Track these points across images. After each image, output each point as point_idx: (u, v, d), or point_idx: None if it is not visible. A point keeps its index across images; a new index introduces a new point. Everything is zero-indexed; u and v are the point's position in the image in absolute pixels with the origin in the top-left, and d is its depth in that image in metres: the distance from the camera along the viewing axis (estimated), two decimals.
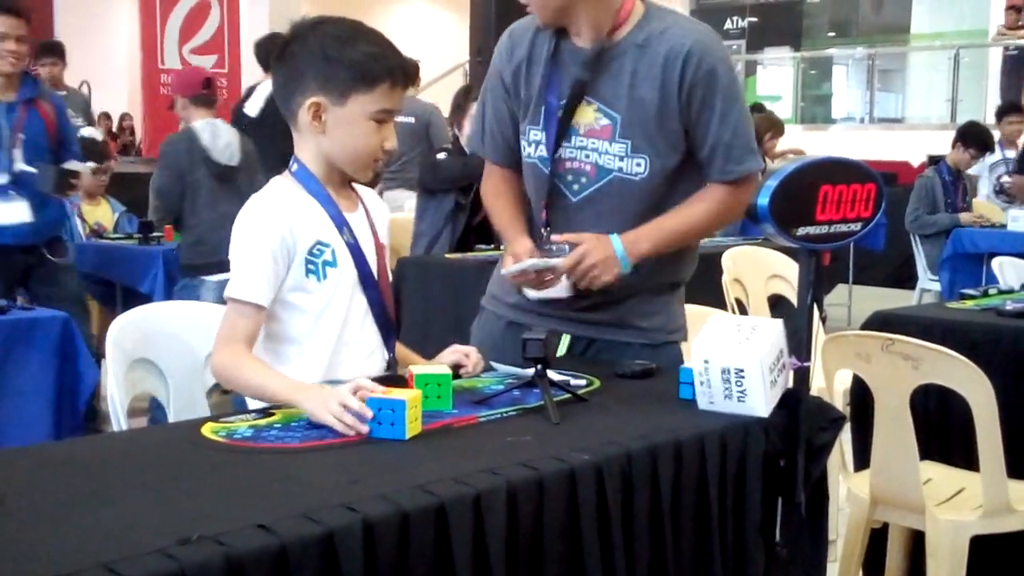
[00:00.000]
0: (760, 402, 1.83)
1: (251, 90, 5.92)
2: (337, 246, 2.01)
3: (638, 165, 2.24)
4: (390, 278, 2.17)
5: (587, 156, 2.27)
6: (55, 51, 7.31)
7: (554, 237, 2.26)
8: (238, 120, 5.50)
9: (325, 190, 2.03)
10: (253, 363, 1.92)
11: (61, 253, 4.32)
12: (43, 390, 3.18)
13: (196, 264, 4.77)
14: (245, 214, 1.99)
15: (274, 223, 1.96)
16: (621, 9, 2.25)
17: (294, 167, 2.04)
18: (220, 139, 4.80)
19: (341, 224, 2.02)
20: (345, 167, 2.04)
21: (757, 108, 8.99)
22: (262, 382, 1.88)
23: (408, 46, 7.47)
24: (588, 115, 2.27)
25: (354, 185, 2.12)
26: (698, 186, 2.29)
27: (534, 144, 2.33)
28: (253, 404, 1.95)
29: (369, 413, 1.66)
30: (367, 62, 1.95)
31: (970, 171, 7.75)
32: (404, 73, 2.01)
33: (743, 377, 1.83)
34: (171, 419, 2.13)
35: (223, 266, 3.96)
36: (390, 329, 2.11)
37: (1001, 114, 7.89)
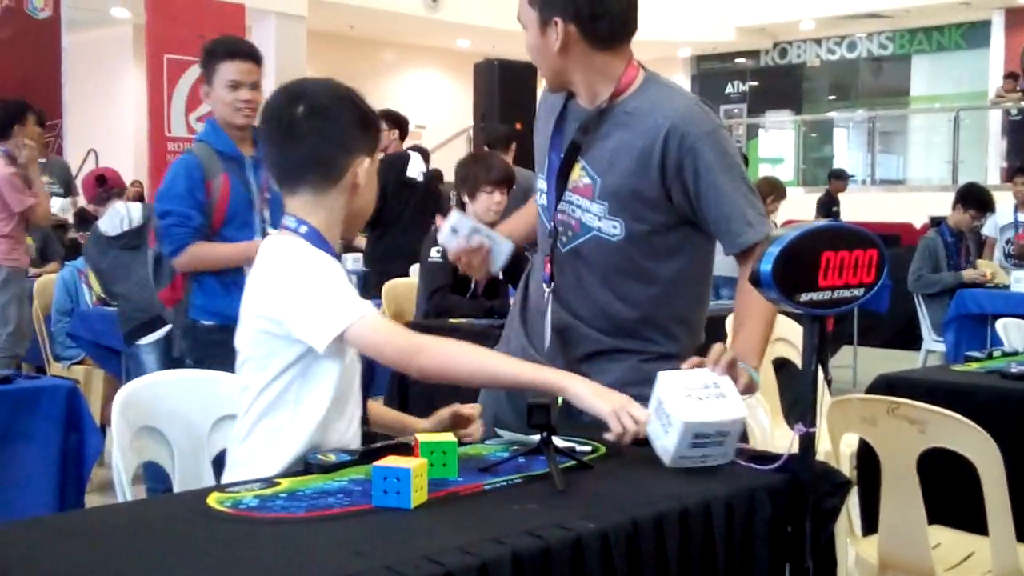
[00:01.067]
0: (682, 411, 1.89)
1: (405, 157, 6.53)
2: None
3: (614, 227, 2.29)
4: None
5: (573, 211, 2.34)
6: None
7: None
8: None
9: (335, 250, 2.04)
10: (460, 347, 1.94)
11: None
12: (48, 459, 3.17)
13: (133, 330, 4.76)
14: (294, 255, 1.95)
15: (327, 259, 1.96)
16: (624, 76, 2.30)
17: (301, 228, 2.00)
18: (115, 217, 4.87)
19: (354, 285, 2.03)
20: (360, 222, 2.13)
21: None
22: (494, 366, 1.94)
23: (415, 111, 7.54)
24: (576, 172, 2.33)
25: None
26: (678, 247, 2.32)
27: (540, 192, 2.43)
28: (253, 470, 1.93)
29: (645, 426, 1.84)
30: (374, 119, 2.09)
31: (985, 231, 7.77)
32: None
33: (662, 403, 1.93)
34: (176, 487, 2.13)
35: (154, 325, 3.98)
36: (366, 387, 2.13)
37: (1012, 175, 7.93)
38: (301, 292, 1.91)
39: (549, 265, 2.38)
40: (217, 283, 3.41)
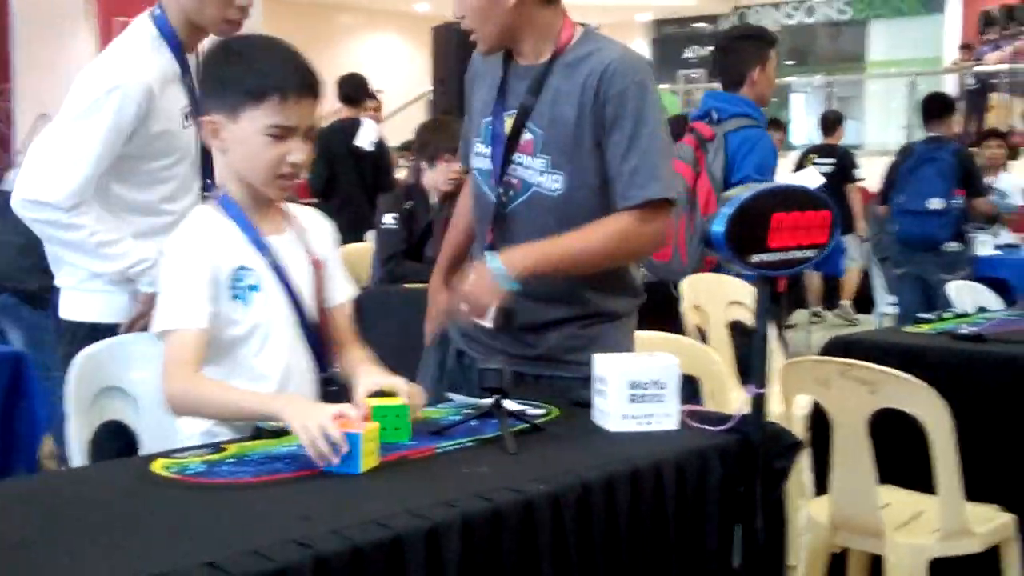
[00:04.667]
0: (614, 365, 1.95)
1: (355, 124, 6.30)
2: (260, 270, 2.00)
3: (555, 181, 2.25)
4: (348, 297, 2.16)
5: (514, 170, 2.29)
6: None
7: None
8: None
9: (244, 214, 2.02)
10: (213, 382, 1.90)
11: None
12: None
13: None
14: (168, 246, 2.01)
15: (196, 250, 1.96)
16: (563, 32, 2.28)
17: (219, 192, 2.05)
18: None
19: (262, 247, 2.01)
20: (253, 183, 2.01)
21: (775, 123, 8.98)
22: (229, 398, 1.87)
23: (373, 76, 7.45)
24: (508, 124, 2.30)
25: (286, 205, 2.11)
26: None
27: (478, 156, 2.38)
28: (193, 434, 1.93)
29: (345, 447, 1.64)
30: (252, 77, 1.95)
31: None
32: (299, 86, 1.96)
33: (597, 376, 1.98)
34: (142, 449, 2.09)
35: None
36: (323, 348, 2.09)
37: (982, 140, 7.97)
38: (160, 287, 2.00)
39: (491, 234, 2.32)
40: None
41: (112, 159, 2.40)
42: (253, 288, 1.99)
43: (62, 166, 2.36)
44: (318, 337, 2.08)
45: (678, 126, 8.57)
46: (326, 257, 2.12)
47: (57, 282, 2.56)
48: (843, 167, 8.46)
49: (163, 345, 1.93)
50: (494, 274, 2.17)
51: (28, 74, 9.42)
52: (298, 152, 1.98)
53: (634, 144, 2.19)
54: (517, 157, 2.28)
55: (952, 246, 5.98)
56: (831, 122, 9.05)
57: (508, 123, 2.30)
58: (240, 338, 1.99)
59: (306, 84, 1.98)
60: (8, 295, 4.57)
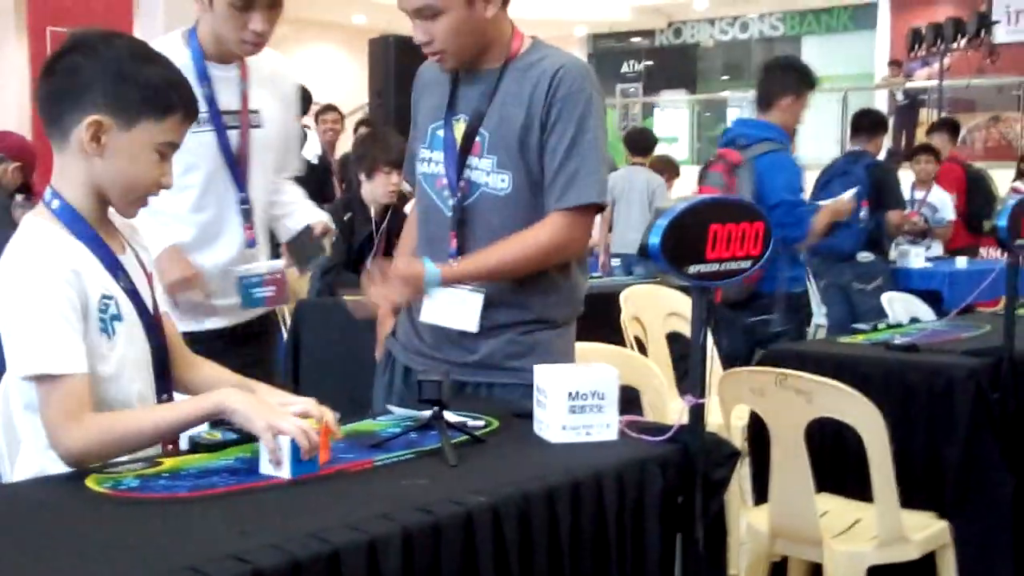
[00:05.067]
0: (554, 377, 1.95)
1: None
2: (119, 296, 1.80)
3: (502, 181, 2.28)
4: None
5: (466, 173, 2.32)
6: None
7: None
8: None
9: (93, 230, 1.80)
10: (118, 415, 1.75)
11: None
12: None
13: None
14: (15, 269, 1.71)
15: (58, 275, 1.71)
16: (513, 40, 2.33)
17: (54, 203, 1.79)
18: None
19: (116, 270, 1.81)
20: (115, 199, 1.81)
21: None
22: (155, 422, 1.72)
23: (310, 87, 7.39)
24: (460, 130, 2.33)
25: (111, 216, 1.88)
26: None
27: (424, 162, 2.40)
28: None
29: (317, 441, 1.68)
30: (164, 88, 1.79)
31: None
32: (195, 108, 1.87)
33: (538, 387, 1.97)
34: None
35: None
36: (168, 377, 1.92)
37: (913, 155, 8.10)
38: (13, 318, 1.70)
39: (455, 239, 2.33)
40: None
41: None
42: (116, 318, 1.79)
43: None
44: (166, 363, 1.91)
45: (642, 138, 8.58)
46: (152, 271, 1.96)
47: None
48: None
49: (38, 392, 1.69)
50: (425, 276, 2.26)
51: None
52: (170, 173, 1.84)
53: (574, 149, 2.24)
54: (468, 160, 2.31)
55: (865, 255, 6.08)
56: None
57: (458, 128, 2.33)
58: (107, 377, 1.78)
59: (197, 112, 1.89)
60: None
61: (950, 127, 8.30)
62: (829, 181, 6.15)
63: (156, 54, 1.85)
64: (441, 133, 2.36)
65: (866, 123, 6.39)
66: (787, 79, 4.37)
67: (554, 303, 2.36)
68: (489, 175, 2.29)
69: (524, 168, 2.27)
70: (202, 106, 2.41)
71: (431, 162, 2.38)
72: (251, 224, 2.64)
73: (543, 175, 2.28)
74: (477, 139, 2.30)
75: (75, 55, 1.77)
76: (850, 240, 5.96)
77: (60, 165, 1.81)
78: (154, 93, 1.78)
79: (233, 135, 2.56)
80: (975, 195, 7.82)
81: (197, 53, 2.51)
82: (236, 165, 2.55)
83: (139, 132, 1.77)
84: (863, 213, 5.94)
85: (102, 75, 1.75)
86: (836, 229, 5.87)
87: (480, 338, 2.32)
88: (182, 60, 2.44)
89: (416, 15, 2.24)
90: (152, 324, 1.87)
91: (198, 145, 2.47)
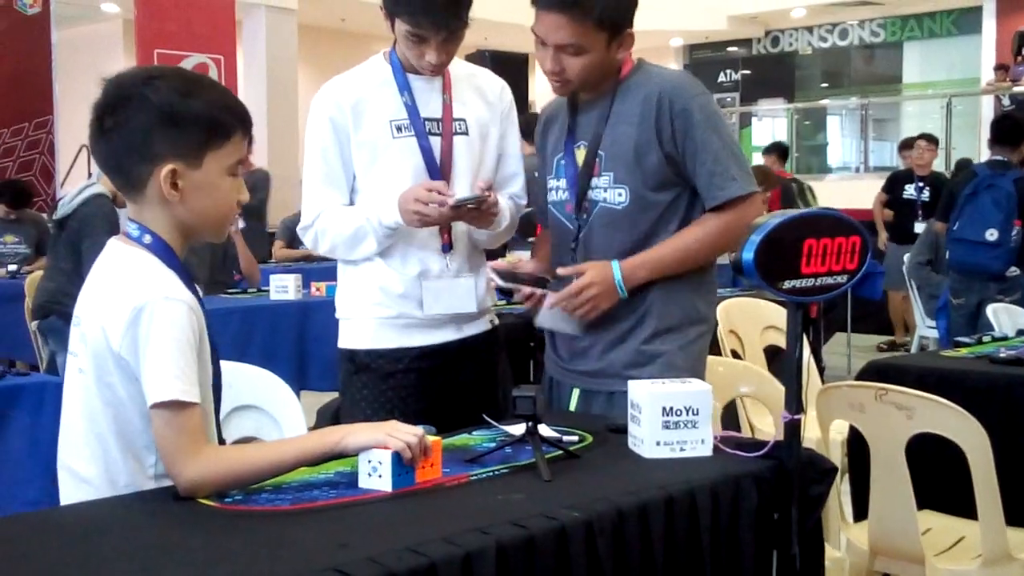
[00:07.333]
0: (648, 391, 1.95)
1: None
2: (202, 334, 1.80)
3: (619, 195, 2.42)
4: None
5: (589, 193, 2.47)
6: None
7: (560, 270, 2.43)
8: None
9: (181, 264, 1.82)
10: (245, 448, 1.83)
11: None
12: (37, 456, 3.15)
13: None
14: (146, 296, 1.70)
15: (185, 307, 1.73)
16: (623, 67, 2.48)
17: (145, 238, 1.80)
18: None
19: (200, 308, 1.81)
20: (206, 233, 1.86)
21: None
22: (274, 460, 1.72)
23: None
24: (581, 156, 2.48)
25: None
26: (686, 216, 2.45)
27: (552, 191, 2.56)
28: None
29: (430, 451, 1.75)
30: (217, 114, 1.78)
31: None
32: (247, 117, 1.86)
33: (632, 402, 1.98)
34: None
35: None
36: (218, 404, 1.92)
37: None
38: (150, 341, 1.69)
39: (577, 254, 2.48)
40: None
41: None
42: (201, 349, 1.79)
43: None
44: (219, 389, 1.90)
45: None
46: None
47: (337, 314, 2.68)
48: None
49: (164, 419, 1.68)
50: (615, 282, 2.38)
51: (69, 106, 9.56)
52: (244, 191, 1.86)
53: (706, 152, 2.38)
54: (591, 180, 2.45)
55: (1013, 270, 5.79)
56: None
57: (580, 154, 2.48)
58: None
59: (251, 119, 1.86)
60: (56, 318, 4.67)
61: None
62: (975, 193, 5.87)
63: (197, 80, 1.84)
64: (564, 162, 2.51)
65: (1006, 129, 5.99)
66: None
67: (677, 314, 2.46)
68: (607, 191, 2.43)
69: (640, 180, 2.40)
70: (402, 114, 2.53)
71: (558, 190, 2.54)
72: (448, 228, 2.58)
73: (663, 187, 2.41)
74: (596, 160, 2.44)
75: (124, 109, 1.76)
76: (1000, 260, 5.75)
77: (138, 211, 1.82)
78: (210, 124, 1.77)
79: (436, 142, 2.56)
80: None
81: (397, 66, 2.57)
82: (439, 171, 2.55)
83: (209, 165, 1.78)
84: (1015, 232, 5.71)
85: (159, 123, 1.74)
86: (982, 248, 5.73)
87: (602, 349, 2.45)
88: (384, 74, 2.56)
89: (558, 49, 2.37)
90: (216, 358, 1.87)
91: (400, 152, 2.53)
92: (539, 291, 2.43)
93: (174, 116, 1.75)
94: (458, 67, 2.61)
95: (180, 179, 1.76)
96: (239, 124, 1.81)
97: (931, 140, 8.97)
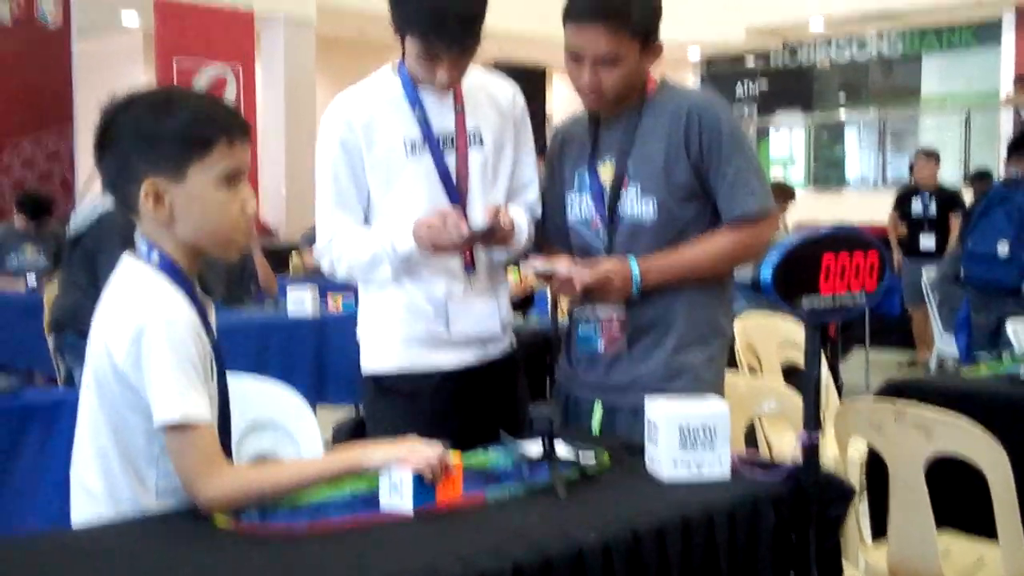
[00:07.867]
0: (664, 410, 1.95)
1: None
2: (211, 351, 1.81)
3: (646, 207, 2.45)
4: None
5: (617, 207, 2.49)
6: None
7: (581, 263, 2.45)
8: None
9: (191, 285, 1.81)
10: (258, 467, 1.85)
11: None
12: (56, 472, 3.15)
13: None
14: (150, 315, 1.70)
15: (190, 327, 1.74)
16: (647, 85, 2.52)
17: (154, 257, 1.79)
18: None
19: (208, 324, 1.82)
20: (211, 248, 1.83)
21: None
22: (293, 478, 1.74)
23: None
24: (607, 171, 2.50)
25: None
26: (710, 226, 2.48)
27: (574, 205, 2.57)
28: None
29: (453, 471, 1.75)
30: (191, 127, 1.76)
31: None
32: (240, 127, 1.82)
33: (649, 420, 1.98)
34: None
35: None
36: (228, 429, 1.90)
37: None
38: (153, 361, 1.69)
39: None
40: None
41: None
42: (209, 372, 1.79)
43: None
44: (228, 414, 1.90)
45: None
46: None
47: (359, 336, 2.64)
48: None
49: (176, 440, 1.69)
50: (632, 276, 2.41)
51: (89, 118, 9.63)
52: (250, 199, 1.83)
53: (727, 167, 2.42)
54: (619, 194, 2.48)
55: None
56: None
57: (604, 169, 2.50)
58: None
59: (244, 126, 1.82)
60: (72, 333, 4.67)
61: None
62: (988, 209, 5.83)
63: (177, 96, 1.83)
64: (587, 178, 2.52)
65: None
66: None
67: (701, 325, 2.48)
68: (634, 205, 2.46)
69: (667, 192, 2.43)
70: (415, 131, 2.49)
71: (581, 206, 2.54)
72: (470, 248, 2.53)
73: (689, 199, 2.44)
74: (624, 174, 2.47)
75: (109, 131, 1.78)
76: (1013, 275, 5.70)
77: (144, 229, 1.82)
78: (184, 137, 1.75)
79: (451, 157, 2.53)
80: None
81: (407, 80, 2.53)
82: (455, 189, 2.52)
83: (194, 177, 1.76)
84: None
85: (134, 140, 1.76)
86: (996, 263, 5.68)
87: (628, 362, 2.47)
88: (394, 89, 2.52)
89: (595, 61, 2.39)
90: (224, 384, 1.87)
91: (415, 171, 2.50)
92: (574, 271, 2.42)
93: (148, 136, 1.75)
94: (469, 76, 2.55)
95: (165, 194, 1.76)
96: (221, 132, 1.77)
97: (929, 155, 9.09)
